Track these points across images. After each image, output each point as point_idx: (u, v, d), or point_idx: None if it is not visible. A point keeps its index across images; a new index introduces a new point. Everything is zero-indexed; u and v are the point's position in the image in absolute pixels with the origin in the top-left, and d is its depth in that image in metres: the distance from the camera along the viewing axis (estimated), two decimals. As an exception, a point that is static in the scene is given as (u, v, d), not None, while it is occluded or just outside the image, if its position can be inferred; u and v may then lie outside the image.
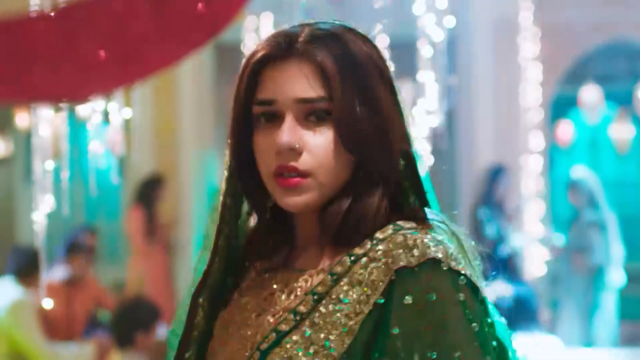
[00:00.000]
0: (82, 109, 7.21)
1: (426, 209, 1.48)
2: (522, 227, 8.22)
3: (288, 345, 1.41)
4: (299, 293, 1.46)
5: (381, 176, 1.45)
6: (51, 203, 4.66)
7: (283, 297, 1.48)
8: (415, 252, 1.39)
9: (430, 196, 1.50)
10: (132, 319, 4.88)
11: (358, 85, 1.44)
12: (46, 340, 5.61)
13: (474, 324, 1.37)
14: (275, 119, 1.46)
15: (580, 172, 8.36)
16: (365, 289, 1.40)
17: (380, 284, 1.39)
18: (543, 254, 8.24)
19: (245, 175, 1.52)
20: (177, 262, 8.44)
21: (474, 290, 1.40)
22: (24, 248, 5.91)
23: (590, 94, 9.35)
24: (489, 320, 1.41)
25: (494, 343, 1.40)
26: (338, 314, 1.40)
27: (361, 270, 1.42)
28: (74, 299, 6.41)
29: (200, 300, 1.55)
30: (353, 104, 1.43)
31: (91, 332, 6.22)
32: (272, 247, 1.53)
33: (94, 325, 6.34)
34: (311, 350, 1.39)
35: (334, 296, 1.42)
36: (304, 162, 1.44)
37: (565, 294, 8.00)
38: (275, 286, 1.50)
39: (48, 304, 5.22)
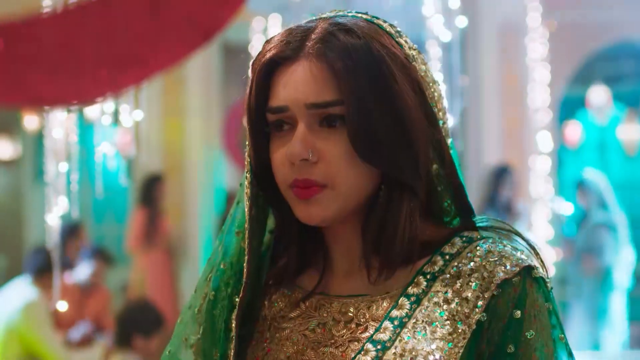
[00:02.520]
0: (90, 111, 7.22)
1: (484, 217, 1.40)
2: (530, 229, 8.19)
3: None
4: (362, 321, 1.33)
5: (406, 184, 1.31)
6: (64, 205, 4.67)
7: (340, 326, 1.34)
8: (508, 263, 1.30)
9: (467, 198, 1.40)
10: (133, 323, 4.88)
11: (374, 86, 1.28)
12: (59, 340, 5.64)
13: (562, 335, 1.32)
14: (290, 126, 1.32)
15: (589, 173, 8.33)
16: (460, 307, 1.29)
17: (480, 300, 1.28)
18: (551, 255, 8.20)
19: (266, 187, 1.38)
20: (182, 264, 8.45)
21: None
22: (40, 249, 5.93)
23: (598, 94, 9.34)
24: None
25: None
26: (430, 337, 1.28)
27: (445, 289, 1.30)
28: (86, 302, 6.44)
29: (233, 325, 1.40)
30: (368, 107, 1.28)
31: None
32: (296, 270, 1.41)
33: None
34: None
35: (419, 319, 1.30)
36: (319, 173, 1.29)
37: (575, 296, 7.95)
38: (324, 315, 1.36)
39: (62, 306, 5.24)
